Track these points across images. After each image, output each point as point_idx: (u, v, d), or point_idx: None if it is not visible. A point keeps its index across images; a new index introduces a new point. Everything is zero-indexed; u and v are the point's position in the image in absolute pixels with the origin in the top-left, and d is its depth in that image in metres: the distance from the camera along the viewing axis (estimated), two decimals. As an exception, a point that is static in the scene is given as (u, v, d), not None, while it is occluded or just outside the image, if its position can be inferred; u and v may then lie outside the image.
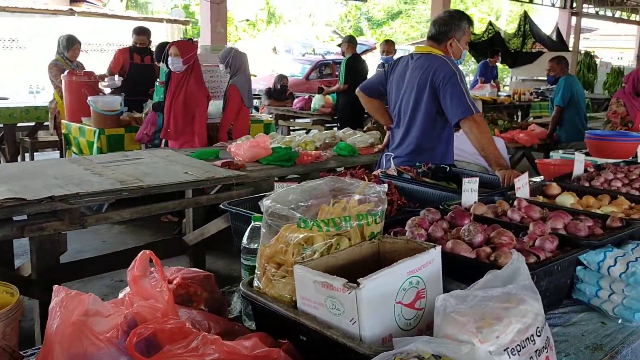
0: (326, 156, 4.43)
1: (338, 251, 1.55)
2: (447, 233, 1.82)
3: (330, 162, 4.48)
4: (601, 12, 19.08)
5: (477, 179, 2.25)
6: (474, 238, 1.71)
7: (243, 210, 2.00)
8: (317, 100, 8.26)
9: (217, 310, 1.61)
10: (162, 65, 5.36)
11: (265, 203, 1.52)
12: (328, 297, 1.34)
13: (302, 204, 1.58)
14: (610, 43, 32.84)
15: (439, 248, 1.49)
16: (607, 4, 18.63)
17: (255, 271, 1.53)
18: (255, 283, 1.52)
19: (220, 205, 2.11)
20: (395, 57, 3.91)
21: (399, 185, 2.55)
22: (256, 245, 1.60)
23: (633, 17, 20.40)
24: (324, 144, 4.86)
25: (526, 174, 2.49)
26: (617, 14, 20.10)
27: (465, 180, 2.21)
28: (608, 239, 1.82)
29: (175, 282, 1.61)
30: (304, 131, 6.10)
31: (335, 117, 8.01)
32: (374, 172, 2.87)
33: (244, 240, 1.67)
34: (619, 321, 1.66)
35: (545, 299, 1.63)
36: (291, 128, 8.84)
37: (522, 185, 2.44)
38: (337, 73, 13.69)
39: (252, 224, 1.68)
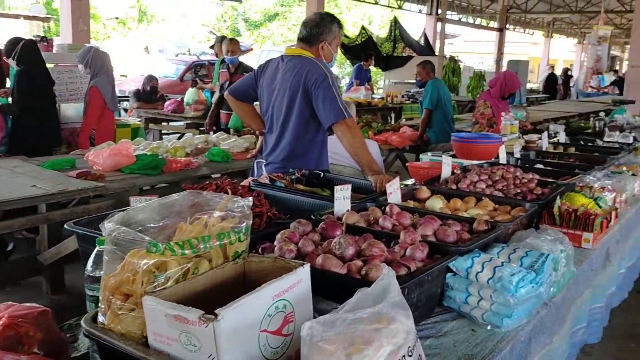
0: (197, 163, 4.19)
1: (196, 276, 1.39)
2: (319, 246, 1.73)
3: (202, 169, 4.25)
4: (463, 19, 20.44)
5: (349, 186, 2.19)
6: (345, 251, 1.63)
7: (91, 230, 1.75)
8: (190, 95, 7.89)
9: (56, 352, 1.38)
10: (10, 62, 4.83)
11: (108, 226, 1.31)
12: (182, 332, 1.17)
13: (154, 224, 1.40)
14: (472, 48, 35.38)
15: (307, 267, 1.38)
16: (468, 11, 19.99)
17: (99, 305, 1.33)
18: (100, 318, 1.32)
19: (65, 226, 1.84)
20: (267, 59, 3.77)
21: (271, 195, 2.43)
22: (103, 272, 1.39)
23: (492, 24, 22.07)
24: (196, 149, 4.62)
25: (397, 178, 2.47)
26: (478, 21, 21.66)
27: (337, 188, 2.14)
28: (475, 243, 1.83)
29: (0, 322, 1.35)
30: (177, 136, 5.80)
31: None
32: (245, 181, 2.73)
33: (88, 267, 1.46)
34: (488, 327, 1.66)
35: (417, 311, 1.59)
36: (163, 132, 8.41)
37: (394, 190, 2.43)
38: (213, 74, 13.33)
39: (97, 248, 1.46)
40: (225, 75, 6.54)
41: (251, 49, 18.08)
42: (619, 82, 17.59)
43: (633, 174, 3.51)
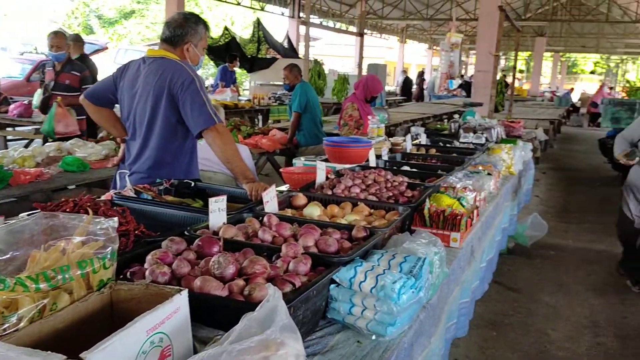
0: (50, 174, 3.79)
1: (55, 312, 1.21)
2: (195, 267, 1.59)
3: (55, 181, 3.83)
4: (324, 23, 20.97)
5: (225, 197, 2.07)
6: (225, 271, 1.52)
7: None
8: (38, 96, 7.18)
9: None
10: None
11: None
12: (42, 383, 1.00)
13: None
14: (334, 51, 36.48)
15: (185, 293, 1.26)
16: (329, 15, 20.54)
17: None
18: None
19: None
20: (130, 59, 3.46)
21: (137, 209, 2.24)
22: None
23: (351, 28, 22.89)
24: (48, 158, 4.18)
25: (273, 186, 2.40)
26: (338, 25, 22.33)
27: (212, 200, 2.02)
28: (356, 252, 1.81)
29: None
30: (25, 143, 5.23)
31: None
32: (106, 194, 2.49)
33: None
34: (373, 337, 1.64)
35: (303, 327, 1.52)
36: (8, 139, 7.59)
37: (270, 198, 2.35)
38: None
39: None
40: (51, 74, 5.93)
41: (106, 48, 16.99)
42: (466, 86, 19.11)
43: (488, 173, 3.76)
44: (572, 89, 27.26)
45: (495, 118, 7.71)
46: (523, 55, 40.94)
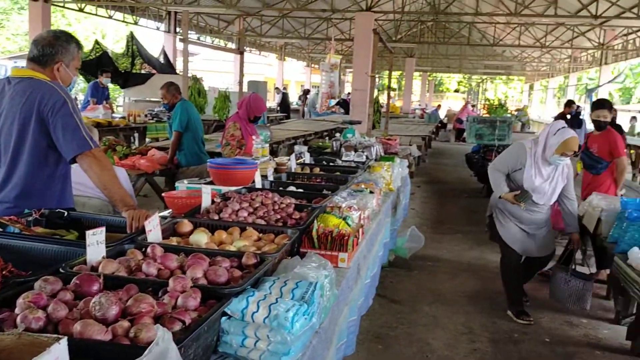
0: None
1: None
2: (74, 309, 1.47)
3: None
4: (202, 39, 20.70)
5: (103, 228, 1.94)
6: (107, 312, 1.41)
7: None
8: None
9: None
10: None
11: None
12: None
13: None
14: (212, 66, 36.06)
15: (64, 342, 1.15)
16: (207, 31, 20.31)
17: None
18: None
19: None
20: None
21: (3, 244, 2.03)
22: None
23: (230, 44, 22.80)
24: None
25: (156, 214, 2.30)
26: (217, 41, 22.15)
27: (89, 233, 1.88)
28: (247, 281, 1.77)
29: None
30: None
31: None
32: (-35, 229, 2.24)
33: None
34: (267, 369, 1.61)
35: (195, 366, 1.46)
36: None
37: (153, 227, 2.24)
38: None
39: None
40: None
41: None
42: (343, 103, 19.77)
43: (371, 191, 3.89)
44: (439, 106, 29.16)
45: (374, 135, 8.03)
46: (395, 74, 43.23)
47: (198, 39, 20.16)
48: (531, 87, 40.66)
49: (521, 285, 4.67)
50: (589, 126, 14.68)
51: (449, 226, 7.77)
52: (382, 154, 6.03)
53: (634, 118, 19.11)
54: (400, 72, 33.83)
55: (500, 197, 4.44)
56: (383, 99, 47.31)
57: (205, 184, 3.34)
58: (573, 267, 4.43)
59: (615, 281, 4.02)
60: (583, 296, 4.32)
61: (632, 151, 13.36)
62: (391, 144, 7.09)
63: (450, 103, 45.23)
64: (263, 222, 2.62)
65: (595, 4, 13.01)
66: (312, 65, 32.95)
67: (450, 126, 23.19)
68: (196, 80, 10.51)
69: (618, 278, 3.80)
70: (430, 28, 22.81)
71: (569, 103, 11.40)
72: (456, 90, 55.34)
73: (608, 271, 4.57)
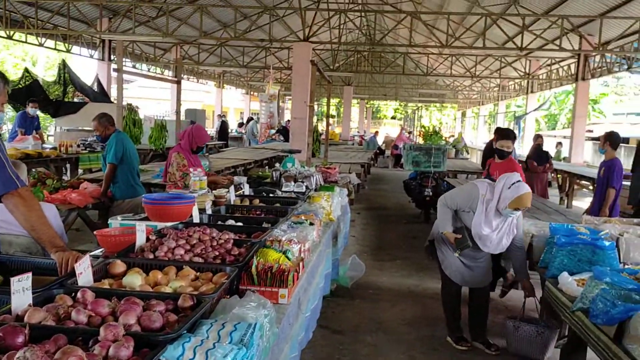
0: None
1: None
2: (-6, 366, 1.38)
3: None
4: (138, 66, 20.34)
5: (30, 274, 1.84)
6: (32, 368, 1.33)
7: None
8: None
9: None
10: None
11: None
12: None
13: None
14: (148, 94, 35.45)
15: (-18, 407, 1.07)
16: (142, 59, 19.99)
17: None
18: None
19: None
20: None
21: None
22: None
23: (166, 72, 22.51)
24: None
25: (87, 256, 2.21)
26: (153, 69, 21.82)
27: (14, 280, 1.78)
28: (183, 326, 1.72)
29: None
30: None
31: None
32: None
33: None
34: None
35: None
36: None
37: (84, 269, 2.15)
38: None
39: None
40: None
41: None
42: (283, 130, 19.84)
43: (311, 223, 3.89)
44: (377, 132, 29.80)
45: (314, 164, 8.08)
46: (334, 102, 43.88)
47: (134, 66, 19.79)
48: (463, 114, 42.18)
49: (460, 312, 4.73)
50: (517, 151, 15.18)
51: (389, 252, 7.85)
52: (322, 183, 6.06)
53: (559, 144, 20.11)
54: (339, 99, 34.41)
55: (444, 234, 4.42)
56: (323, 126, 47.74)
57: (139, 220, 3.25)
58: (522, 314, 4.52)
59: (547, 305, 4.16)
60: (538, 344, 4.30)
61: (558, 175, 14.04)
62: (331, 173, 7.15)
63: (388, 129, 46.32)
64: (201, 260, 2.56)
65: (520, 37, 13.72)
66: (251, 92, 32.97)
67: (388, 152, 23.67)
68: (131, 110, 10.28)
69: (549, 302, 3.94)
70: (366, 57, 23.37)
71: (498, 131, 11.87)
72: (393, 117, 56.74)
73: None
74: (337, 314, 5.25)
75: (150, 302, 1.90)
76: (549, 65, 20.03)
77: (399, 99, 39.41)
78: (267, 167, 9.56)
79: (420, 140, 22.54)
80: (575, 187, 13.11)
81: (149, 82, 29.89)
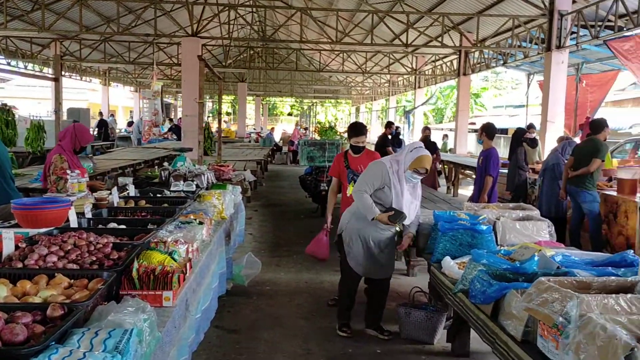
0: None
1: None
2: None
3: None
4: (13, 64, 18.86)
5: None
6: None
7: None
8: None
9: None
10: None
11: None
12: None
13: None
14: (27, 93, 33.08)
15: None
16: (18, 56, 18.55)
17: None
18: None
19: None
20: None
21: None
22: None
23: (46, 69, 21.05)
24: None
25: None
26: (30, 66, 20.33)
27: None
28: (50, 337, 1.60)
29: None
30: None
31: None
32: None
33: None
34: None
35: None
36: None
37: (-63, 284, 1.94)
38: None
39: None
40: None
41: None
42: (176, 129, 19.29)
43: (200, 222, 3.79)
44: (273, 129, 29.83)
45: (206, 162, 7.91)
46: (228, 98, 43.38)
47: (8, 63, 18.34)
48: (357, 110, 43.31)
49: (353, 302, 4.79)
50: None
51: (286, 248, 7.87)
52: (214, 181, 5.94)
53: (445, 136, 21.22)
54: (234, 96, 34.02)
55: (373, 219, 4.36)
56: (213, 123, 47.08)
57: (8, 227, 3.00)
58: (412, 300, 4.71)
59: (434, 289, 4.37)
60: (428, 328, 4.49)
61: (445, 166, 14.82)
62: (224, 171, 7.04)
63: (286, 126, 46.52)
64: (75, 267, 2.41)
65: (405, 34, 14.30)
66: (141, 90, 31.73)
67: (285, 149, 23.79)
68: (4, 110, 9.50)
69: (435, 286, 4.13)
70: (259, 54, 23.27)
71: (389, 124, 12.31)
72: (289, 114, 57.08)
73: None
74: (234, 313, 5.18)
75: (14, 314, 1.75)
76: (433, 61, 21.04)
77: (295, 95, 39.71)
78: (157, 167, 9.23)
79: (316, 136, 22.91)
80: (460, 176, 13.89)
81: (29, 80, 27.90)
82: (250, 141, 23.67)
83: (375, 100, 35.90)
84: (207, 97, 32.29)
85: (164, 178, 5.67)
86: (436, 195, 8.55)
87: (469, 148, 22.49)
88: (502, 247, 4.10)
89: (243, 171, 8.31)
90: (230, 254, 5.07)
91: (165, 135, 20.25)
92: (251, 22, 21.55)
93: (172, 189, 5.01)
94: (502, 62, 15.57)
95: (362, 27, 16.45)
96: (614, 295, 2.33)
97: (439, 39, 14.41)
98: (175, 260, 2.87)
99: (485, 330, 3.02)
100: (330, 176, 5.89)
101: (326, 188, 9.93)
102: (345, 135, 22.01)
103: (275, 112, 57.07)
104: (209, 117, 22.19)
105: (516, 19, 12.87)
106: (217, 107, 53.02)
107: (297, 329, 4.83)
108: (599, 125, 7.09)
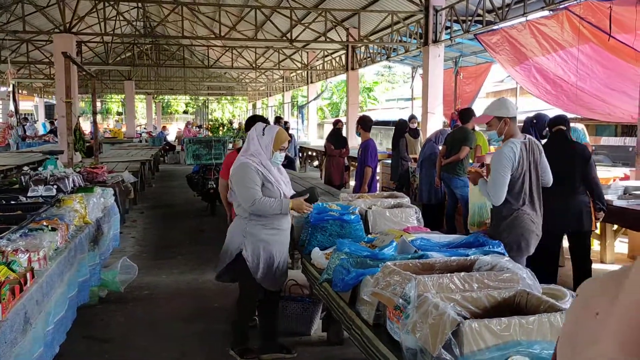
0: None
1: None
2: None
3: None
4: None
5: None
6: None
7: None
8: None
9: None
10: None
11: None
12: None
13: None
14: None
15: None
16: None
17: None
18: None
19: None
20: None
21: None
22: None
23: None
24: None
25: None
26: None
27: None
28: None
29: None
30: None
31: None
32: None
33: None
34: None
35: None
36: None
37: None
38: None
39: None
40: None
41: None
42: (56, 130, 18.18)
43: (53, 228, 3.56)
44: (165, 127, 28.93)
45: (79, 165, 7.50)
46: (118, 97, 41.57)
47: None
48: (254, 106, 43.06)
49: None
50: (303, 138, 15.81)
51: (171, 250, 7.64)
52: (82, 184, 5.63)
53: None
54: (123, 95, 32.60)
55: (292, 209, 3.96)
56: (108, 124, 44.88)
57: None
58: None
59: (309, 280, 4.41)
60: (304, 319, 4.51)
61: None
62: (97, 173, 6.70)
63: (181, 125, 45.27)
64: None
65: (290, 30, 14.40)
66: (19, 90, 29.54)
67: (179, 148, 23.16)
68: None
69: (307, 277, 4.17)
70: (148, 51, 22.40)
71: (277, 119, 12.33)
72: (185, 112, 55.63)
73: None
74: (107, 320, 4.93)
75: None
76: (323, 57, 21.33)
77: (188, 93, 38.76)
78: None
79: (210, 134, 22.46)
80: (352, 168, 14.21)
81: None
82: (141, 141, 22.78)
83: (271, 96, 35.87)
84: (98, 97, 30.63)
85: (24, 183, 5.28)
86: (322, 189, 8.65)
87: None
88: (374, 235, 4.20)
89: (121, 173, 7.95)
90: (98, 260, 4.82)
91: (47, 138, 19.03)
92: (137, 18, 20.69)
93: (29, 194, 4.67)
94: (385, 56, 16.07)
95: (250, 22, 16.28)
96: (449, 274, 2.44)
97: (329, 34, 14.62)
98: (14, 270, 2.68)
99: (344, 317, 3.07)
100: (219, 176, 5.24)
101: (214, 186, 9.76)
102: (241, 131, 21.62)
103: (170, 111, 55.42)
104: (79, 116, 20.97)
105: (396, 15, 13.32)
106: (110, 107, 50.58)
107: (173, 332, 4.68)
108: (467, 115, 7.50)
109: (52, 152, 7.36)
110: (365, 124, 7.22)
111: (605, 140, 15.51)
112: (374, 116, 23.18)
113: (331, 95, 38.59)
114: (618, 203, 5.32)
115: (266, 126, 4.05)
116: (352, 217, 4.31)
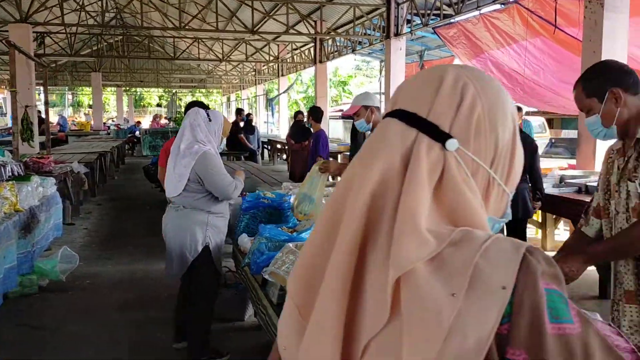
0: None
1: None
2: None
3: None
4: None
5: None
6: None
7: None
8: None
9: None
10: None
11: None
12: None
13: None
14: None
15: None
16: None
17: None
18: None
19: None
20: None
21: None
22: None
23: None
24: None
25: None
26: None
27: None
28: None
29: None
30: None
31: None
32: None
33: None
34: None
35: None
36: None
37: None
38: None
39: None
40: None
41: None
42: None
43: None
44: (139, 122, 28.64)
45: (28, 155, 7.43)
46: (89, 90, 41.02)
47: None
48: (228, 99, 42.86)
49: None
50: (274, 132, 15.80)
51: (123, 240, 7.61)
52: (22, 173, 5.59)
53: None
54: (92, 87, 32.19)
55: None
56: (80, 116, 44.17)
57: None
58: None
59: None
60: (238, 305, 4.55)
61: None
62: (43, 163, 6.65)
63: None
64: None
65: (251, 21, 14.39)
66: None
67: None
68: None
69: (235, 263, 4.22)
70: (112, 42, 22.13)
71: (239, 111, 12.30)
72: (159, 105, 55.07)
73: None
74: (43, 309, 4.93)
75: None
76: (292, 50, 21.31)
77: (160, 85, 38.41)
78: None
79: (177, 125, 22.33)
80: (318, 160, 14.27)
81: None
82: (109, 133, 22.52)
83: (244, 89, 35.73)
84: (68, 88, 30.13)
85: (-41, 172, 5.22)
86: (278, 180, 8.69)
87: (338, 134, 23.22)
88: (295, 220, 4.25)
89: (69, 164, 7.89)
90: (31, 248, 4.80)
91: (10, 131, 18.70)
92: (104, 9, 20.40)
93: (-40, 182, 4.64)
94: (351, 49, 16.14)
95: (215, 12, 16.18)
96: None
97: (295, 27, 14.63)
98: None
99: (256, 298, 3.13)
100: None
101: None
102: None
103: (142, 104, 54.81)
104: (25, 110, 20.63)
105: (359, 8, 13.38)
106: (81, 99, 49.78)
107: (109, 321, 4.69)
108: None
109: (3, 142, 7.27)
110: (315, 115, 7.28)
111: (566, 133, 15.86)
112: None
113: (306, 89, 38.57)
114: (550, 191, 5.45)
115: (212, 111, 3.94)
116: (285, 204, 4.36)
